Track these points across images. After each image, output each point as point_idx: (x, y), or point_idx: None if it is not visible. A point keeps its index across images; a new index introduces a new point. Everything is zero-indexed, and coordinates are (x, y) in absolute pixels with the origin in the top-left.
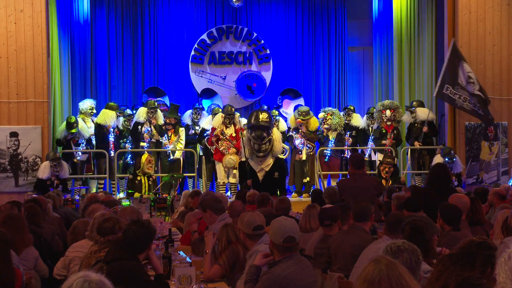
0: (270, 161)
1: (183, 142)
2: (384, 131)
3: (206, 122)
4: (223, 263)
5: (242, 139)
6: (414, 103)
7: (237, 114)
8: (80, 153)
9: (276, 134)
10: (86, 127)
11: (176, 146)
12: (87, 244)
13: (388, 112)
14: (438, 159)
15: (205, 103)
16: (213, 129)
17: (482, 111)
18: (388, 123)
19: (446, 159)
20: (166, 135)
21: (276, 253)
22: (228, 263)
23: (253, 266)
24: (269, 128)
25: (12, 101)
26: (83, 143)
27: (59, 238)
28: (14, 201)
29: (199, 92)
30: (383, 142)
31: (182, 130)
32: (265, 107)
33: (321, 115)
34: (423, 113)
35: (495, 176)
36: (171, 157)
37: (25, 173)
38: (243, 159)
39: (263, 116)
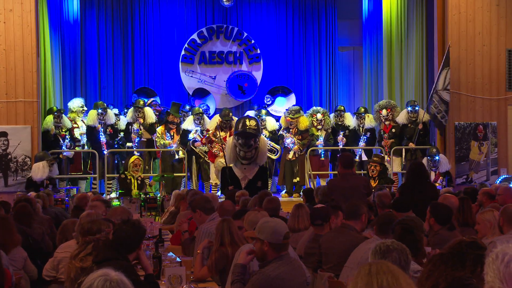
0: (254, 169)
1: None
2: (382, 132)
3: (188, 123)
4: (210, 267)
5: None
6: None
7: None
8: (65, 148)
9: (262, 143)
10: (68, 120)
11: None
12: (75, 245)
13: (384, 111)
14: (425, 159)
15: (198, 103)
16: (208, 130)
17: (446, 120)
18: (386, 122)
19: (428, 157)
20: (168, 135)
21: (271, 253)
22: (215, 267)
23: (238, 265)
24: (256, 136)
25: (2, 100)
26: (67, 139)
27: (49, 238)
28: (2, 202)
29: (189, 92)
30: (382, 143)
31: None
32: (255, 107)
33: (319, 116)
34: (401, 116)
35: (484, 176)
36: (177, 157)
37: (15, 173)
38: (225, 164)
39: (251, 123)
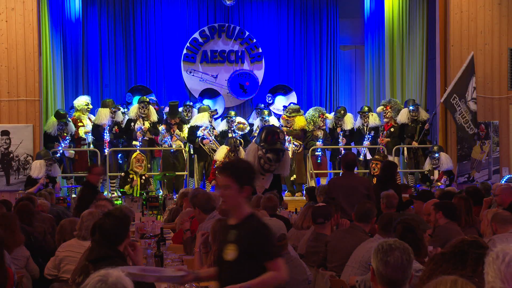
0: (270, 178)
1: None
2: (381, 129)
3: (198, 120)
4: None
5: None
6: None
7: (241, 148)
8: (60, 148)
9: (286, 154)
10: (72, 127)
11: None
12: (77, 244)
13: (379, 108)
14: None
15: (206, 103)
16: (215, 161)
17: (472, 129)
18: (385, 120)
19: (429, 155)
20: (169, 135)
21: None
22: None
23: None
24: (284, 150)
25: (4, 99)
26: (68, 139)
27: (51, 237)
28: (3, 200)
29: (191, 90)
30: (378, 140)
31: (185, 128)
32: (262, 105)
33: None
34: (401, 116)
35: (486, 175)
36: (174, 147)
37: (17, 172)
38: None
39: (281, 136)
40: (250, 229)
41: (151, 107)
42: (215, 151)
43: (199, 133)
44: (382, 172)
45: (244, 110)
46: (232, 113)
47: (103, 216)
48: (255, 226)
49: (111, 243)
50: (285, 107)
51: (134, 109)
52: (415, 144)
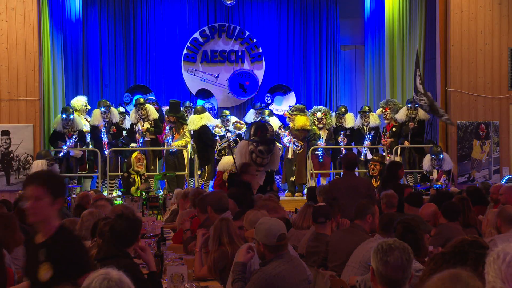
0: (264, 175)
1: (188, 139)
2: (383, 131)
3: (207, 119)
4: (211, 267)
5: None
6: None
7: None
8: (65, 147)
9: (276, 148)
10: (80, 120)
11: (181, 143)
12: None
13: (378, 111)
14: (428, 158)
15: (200, 103)
16: (220, 172)
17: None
18: (386, 121)
19: (433, 156)
20: (171, 135)
21: (268, 254)
22: (215, 267)
23: (239, 263)
24: (275, 141)
25: (4, 99)
26: (75, 138)
27: None
28: (3, 200)
29: (191, 90)
30: (382, 142)
31: (187, 127)
32: (258, 105)
33: (319, 114)
34: (400, 114)
35: (486, 175)
36: (172, 150)
37: (17, 172)
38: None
39: (270, 129)
40: (62, 244)
41: (148, 106)
42: (219, 151)
43: (215, 133)
44: (386, 172)
45: (244, 110)
46: (227, 112)
47: (116, 217)
48: (66, 240)
49: (121, 244)
50: (290, 106)
51: (132, 113)
52: (406, 143)
